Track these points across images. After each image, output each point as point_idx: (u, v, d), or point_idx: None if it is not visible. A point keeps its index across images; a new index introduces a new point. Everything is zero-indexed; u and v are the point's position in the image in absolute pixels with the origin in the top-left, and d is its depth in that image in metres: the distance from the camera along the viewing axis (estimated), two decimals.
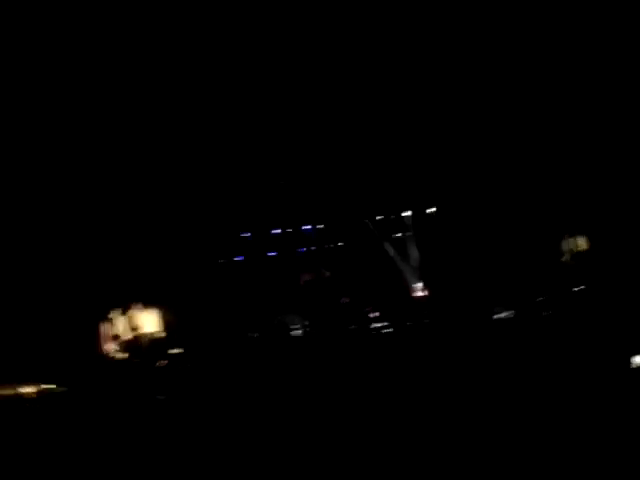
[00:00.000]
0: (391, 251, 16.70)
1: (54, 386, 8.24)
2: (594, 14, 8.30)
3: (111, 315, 10.17)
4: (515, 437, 3.92)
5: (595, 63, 10.75)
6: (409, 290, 15.56)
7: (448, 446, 4.05)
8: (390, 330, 11.95)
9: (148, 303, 10.62)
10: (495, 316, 10.11)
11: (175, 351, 10.66)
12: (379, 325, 12.78)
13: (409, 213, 16.52)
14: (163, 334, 10.71)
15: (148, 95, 10.68)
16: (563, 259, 12.00)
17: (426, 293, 15.30)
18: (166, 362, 9.78)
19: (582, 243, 11.84)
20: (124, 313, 10.23)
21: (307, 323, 14.42)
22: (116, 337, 10.00)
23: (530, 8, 8.58)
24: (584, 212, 12.30)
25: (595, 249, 11.60)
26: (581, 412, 4.07)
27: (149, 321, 10.50)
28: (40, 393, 7.83)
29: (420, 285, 15.49)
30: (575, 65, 11.09)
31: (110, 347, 9.88)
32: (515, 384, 5.21)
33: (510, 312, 10.18)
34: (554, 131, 12.72)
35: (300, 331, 14.08)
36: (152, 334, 10.44)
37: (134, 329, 10.16)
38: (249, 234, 15.69)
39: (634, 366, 4.18)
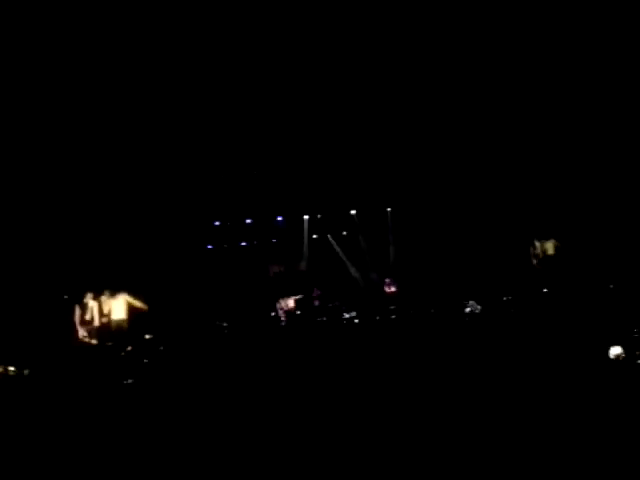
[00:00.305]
0: (363, 245, 16.84)
1: (14, 368, 8.03)
2: (593, 14, 8.41)
3: (82, 301, 9.95)
4: (482, 427, 3.94)
5: (569, 76, 10.95)
6: (380, 284, 15.66)
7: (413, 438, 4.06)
8: (359, 322, 12.00)
9: (118, 289, 10.45)
10: (466, 310, 10.26)
11: (145, 337, 10.52)
12: (348, 316, 12.83)
13: (384, 209, 16.70)
14: (128, 320, 10.54)
15: (123, 85, 10.49)
16: (532, 261, 12.28)
17: (394, 289, 15.45)
18: (131, 347, 9.64)
19: (550, 247, 12.12)
20: (95, 299, 10.02)
21: (278, 314, 14.43)
22: (87, 322, 9.79)
23: (523, 9, 8.64)
24: (554, 217, 12.60)
25: (562, 253, 11.89)
26: (550, 401, 4.15)
27: (119, 307, 10.33)
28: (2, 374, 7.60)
29: (389, 280, 15.63)
30: (547, 81, 11.29)
31: (80, 332, 9.66)
32: (484, 375, 5.27)
33: (478, 307, 10.36)
34: (525, 134, 12.97)
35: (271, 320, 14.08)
36: (122, 320, 10.26)
37: (104, 315, 9.96)
38: (219, 223, 15.59)
39: (611, 357, 4.30)
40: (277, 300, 14.68)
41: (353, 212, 16.58)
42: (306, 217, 16.58)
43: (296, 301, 14.58)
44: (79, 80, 9.72)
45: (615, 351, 4.33)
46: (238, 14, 9.20)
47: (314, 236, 16.89)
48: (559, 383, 4.33)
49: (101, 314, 9.84)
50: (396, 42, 10.00)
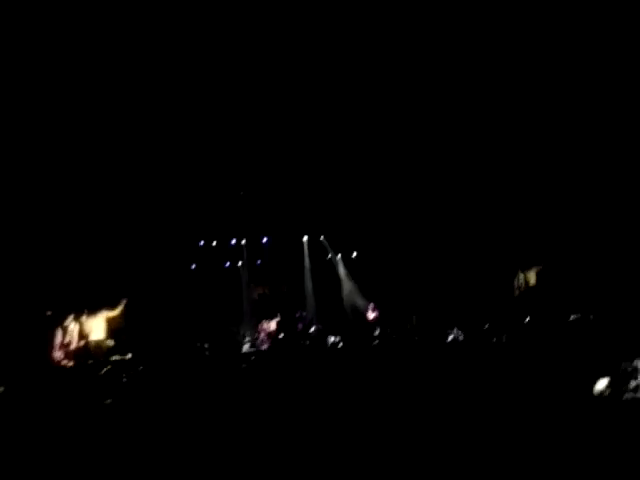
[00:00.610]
0: (346, 270, 16.83)
1: None
2: (593, 14, 8.47)
3: (64, 323, 9.78)
4: (462, 457, 3.92)
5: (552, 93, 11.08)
6: (362, 310, 15.65)
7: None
8: (342, 345, 11.96)
9: (98, 307, 10.33)
10: (448, 338, 10.31)
11: (119, 358, 10.33)
12: (333, 340, 12.78)
13: (366, 233, 16.74)
14: (111, 342, 10.40)
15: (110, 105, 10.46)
16: (514, 292, 12.38)
17: (376, 314, 15.44)
18: (109, 367, 9.48)
19: (532, 277, 12.24)
20: (76, 320, 9.86)
21: (258, 336, 14.29)
22: (65, 345, 9.61)
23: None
24: (538, 248, 12.73)
25: (544, 282, 12.01)
26: (532, 434, 4.15)
27: (98, 327, 10.19)
28: None
29: (372, 305, 15.62)
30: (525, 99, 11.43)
31: (57, 354, 9.47)
32: (467, 403, 5.26)
33: (461, 335, 10.41)
34: (509, 162, 13.12)
35: (249, 345, 13.93)
36: (101, 340, 10.11)
37: (83, 337, 9.80)
38: (202, 242, 15.50)
39: (596, 391, 4.30)
40: (259, 322, 14.55)
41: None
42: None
43: (278, 323, 14.46)
44: (66, 89, 9.65)
45: (600, 385, 4.35)
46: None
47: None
48: (542, 415, 4.33)
49: (80, 336, 9.68)
50: (383, 66, 10.06)
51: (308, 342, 13.25)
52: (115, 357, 9.85)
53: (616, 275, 10.45)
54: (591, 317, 9.48)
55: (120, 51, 9.09)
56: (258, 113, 11.57)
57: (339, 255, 17.03)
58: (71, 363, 9.30)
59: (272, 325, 14.54)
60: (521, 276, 12.44)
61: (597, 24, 8.58)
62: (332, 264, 16.92)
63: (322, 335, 13.59)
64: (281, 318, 14.37)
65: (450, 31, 9.16)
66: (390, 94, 11.17)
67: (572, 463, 3.59)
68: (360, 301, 16.37)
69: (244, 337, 13.82)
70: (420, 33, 9.27)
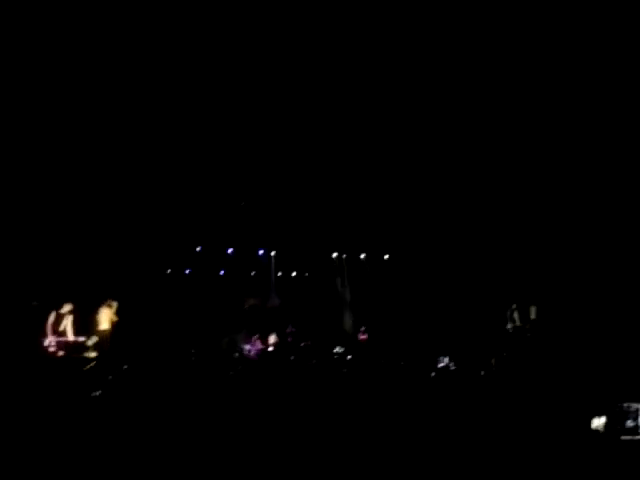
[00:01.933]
0: (341, 289, 16.85)
1: None
2: (592, 15, 8.49)
3: (58, 310, 9.67)
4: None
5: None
6: (354, 330, 15.66)
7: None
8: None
9: (99, 303, 10.32)
10: (439, 365, 10.31)
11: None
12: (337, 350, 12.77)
13: (363, 255, 16.82)
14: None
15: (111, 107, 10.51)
16: (508, 325, 12.40)
17: (366, 336, 15.46)
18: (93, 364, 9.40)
19: (532, 313, 12.26)
20: (72, 312, 9.77)
21: (249, 347, 14.22)
22: (58, 333, 9.49)
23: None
24: (534, 283, 12.77)
25: (540, 319, 12.02)
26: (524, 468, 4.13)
27: (105, 320, 10.19)
28: None
29: (363, 328, 15.64)
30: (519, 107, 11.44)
31: (49, 340, 9.34)
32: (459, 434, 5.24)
33: (452, 364, 10.41)
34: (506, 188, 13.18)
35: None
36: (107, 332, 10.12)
37: (83, 330, 9.74)
38: (200, 248, 15.48)
39: (593, 428, 4.30)
40: (252, 334, 14.48)
41: (334, 255, 16.65)
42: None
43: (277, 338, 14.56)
44: (64, 91, 9.67)
45: (598, 423, 4.36)
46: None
47: (293, 274, 16.86)
48: (535, 451, 4.31)
49: (77, 329, 9.59)
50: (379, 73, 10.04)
51: (294, 357, 13.18)
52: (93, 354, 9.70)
53: (617, 314, 10.47)
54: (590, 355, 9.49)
55: (120, 57, 9.13)
56: (262, 123, 11.58)
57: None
58: (61, 352, 9.17)
59: (271, 339, 14.59)
60: (515, 310, 12.45)
61: (597, 24, 8.62)
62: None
63: (310, 349, 13.58)
64: (278, 333, 14.43)
65: (451, 31, 9.17)
66: (394, 106, 11.14)
67: None
68: (348, 319, 16.41)
69: (233, 346, 13.76)
70: (421, 33, 9.29)
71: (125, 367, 9.52)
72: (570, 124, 10.55)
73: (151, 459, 4.46)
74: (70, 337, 9.46)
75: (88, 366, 9.22)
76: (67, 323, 9.48)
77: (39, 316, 9.66)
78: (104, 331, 10.11)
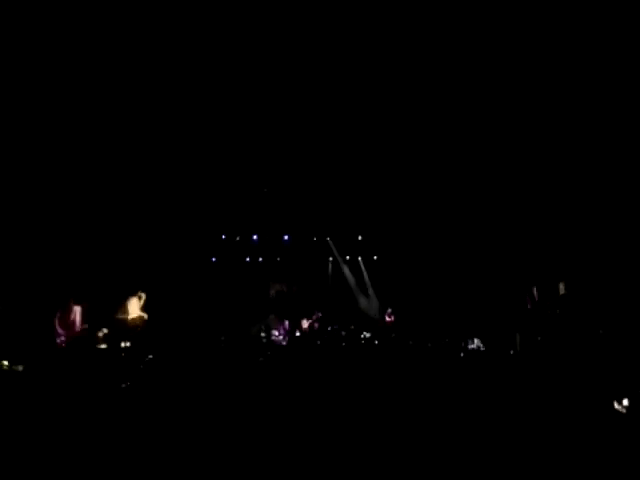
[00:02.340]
0: (366, 273, 16.79)
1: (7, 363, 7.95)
2: (593, 15, 8.29)
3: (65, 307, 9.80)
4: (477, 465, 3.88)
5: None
6: (381, 313, 15.64)
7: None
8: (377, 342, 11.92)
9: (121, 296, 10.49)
10: (470, 346, 10.24)
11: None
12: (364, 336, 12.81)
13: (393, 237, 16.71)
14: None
15: (131, 97, 10.54)
16: (527, 304, 12.24)
17: (392, 319, 15.44)
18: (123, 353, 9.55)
19: (559, 290, 12.06)
20: (81, 304, 9.90)
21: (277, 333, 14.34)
22: (68, 327, 9.62)
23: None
24: (557, 262, 12.55)
25: (567, 299, 11.81)
26: (548, 448, 4.08)
27: (134, 307, 10.40)
28: None
29: (389, 311, 15.61)
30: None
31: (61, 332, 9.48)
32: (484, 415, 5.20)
33: (482, 345, 10.33)
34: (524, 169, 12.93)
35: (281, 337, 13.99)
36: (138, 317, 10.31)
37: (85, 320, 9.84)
38: (224, 236, 15.59)
39: (618, 409, 4.21)
40: (281, 322, 14.57)
41: (360, 237, 16.57)
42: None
43: (310, 322, 14.65)
44: (77, 85, 9.71)
45: (620, 405, 4.27)
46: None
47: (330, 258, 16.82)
48: (559, 429, 4.26)
49: (89, 320, 9.69)
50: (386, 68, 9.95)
51: (320, 342, 13.25)
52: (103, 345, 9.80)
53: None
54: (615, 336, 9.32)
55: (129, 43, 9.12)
56: (282, 108, 11.54)
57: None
58: (70, 344, 9.24)
59: (304, 324, 14.69)
60: (535, 289, 12.25)
61: (597, 24, 8.40)
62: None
63: (338, 334, 13.62)
64: (317, 317, 14.54)
65: (451, 31, 9.03)
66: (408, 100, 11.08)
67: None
68: (374, 303, 16.37)
69: (261, 332, 13.89)
70: (422, 32, 9.16)
71: (151, 357, 9.68)
72: (582, 103, 10.33)
73: (176, 448, 4.53)
74: (78, 328, 9.49)
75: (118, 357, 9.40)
76: (76, 315, 9.55)
77: (49, 308, 9.74)
78: (133, 320, 10.28)
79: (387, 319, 15.42)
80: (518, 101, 10.66)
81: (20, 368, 7.70)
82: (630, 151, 10.41)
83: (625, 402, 4.25)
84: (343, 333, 13.18)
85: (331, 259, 16.81)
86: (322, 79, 10.61)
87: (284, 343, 13.91)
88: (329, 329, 14.50)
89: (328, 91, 10.86)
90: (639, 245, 10.51)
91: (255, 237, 15.98)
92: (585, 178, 11.88)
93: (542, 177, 12.62)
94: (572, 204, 12.48)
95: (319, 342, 13.38)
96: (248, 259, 16.43)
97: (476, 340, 10.35)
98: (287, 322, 14.54)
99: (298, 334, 14.16)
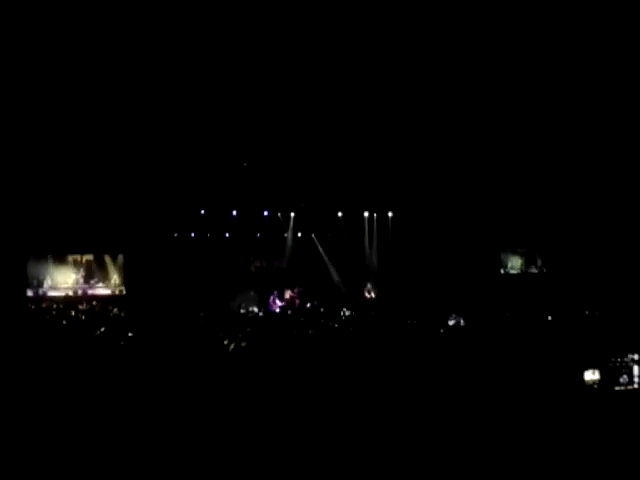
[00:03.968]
0: (346, 248, 16.82)
1: None
2: (593, 15, 8.35)
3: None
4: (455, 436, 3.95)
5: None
6: (359, 288, 15.73)
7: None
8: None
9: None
10: (449, 322, 10.33)
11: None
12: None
13: (367, 214, 16.75)
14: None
15: (114, 77, 10.44)
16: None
17: (373, 295, 15.54)
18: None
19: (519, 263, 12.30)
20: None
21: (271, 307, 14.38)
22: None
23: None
24: (540, 235, 12.75)
25: (547, 271, 12.04)
26: (524, 422, 4.17)
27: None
28: None
29: (370, 285, 15.70)
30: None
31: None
32: (465, 390, 5.28)
33: (462, 320, 10.43)
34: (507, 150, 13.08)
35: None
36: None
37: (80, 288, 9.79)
38: (203, 212, 15.48)
39: (586, 381, 4.32)
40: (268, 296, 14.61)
41: (340, 214, 16.57)
42: (292, 214, 16.54)
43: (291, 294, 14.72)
44: (69, 78, 9.63)
45: (590, 375, 4.38)
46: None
47: (298, 234, 16.84)
48: (535, 404, 4.35)
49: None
50: (391, 44, 9.97)
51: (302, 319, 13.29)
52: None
53: (612, 272, 10.47)
54: (586, 312, 9.53)
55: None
56: (267, 91, 11.52)
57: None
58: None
59: (287, 294, 14.72)
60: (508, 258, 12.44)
61: (597, 24, 8.50)
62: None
63: (317, 310, 13.66)
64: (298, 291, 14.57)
65: (451, 31, 9.12)
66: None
67: (565, 450, 3.63)
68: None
69: (239, 308, 13.89)
70: (423, 32, 9.25)
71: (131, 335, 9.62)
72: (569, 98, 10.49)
73: (156, 431, 4.50)
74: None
75: (98, 332, 9.36)
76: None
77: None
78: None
79: (366, 295, 15.51)
80: (509, 87, 10.75)
81: None
82: (630, 151, 10.60)
83: (595, 374, 4.37)
84: (322, 310, 13.22)
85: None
86: (299, 56, 10.57)
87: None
88: (308, 305, 14.54)
89: (307, 67, 10.82)
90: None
91: (235, 213, 15.90)
92: (560, 158, 12.06)
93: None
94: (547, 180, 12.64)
95: (302, 319, 13.42)
96: (227, 235, 16.35)
97: (459, 317, 10.46)
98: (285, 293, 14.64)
99: (280, 305, 14.26)
